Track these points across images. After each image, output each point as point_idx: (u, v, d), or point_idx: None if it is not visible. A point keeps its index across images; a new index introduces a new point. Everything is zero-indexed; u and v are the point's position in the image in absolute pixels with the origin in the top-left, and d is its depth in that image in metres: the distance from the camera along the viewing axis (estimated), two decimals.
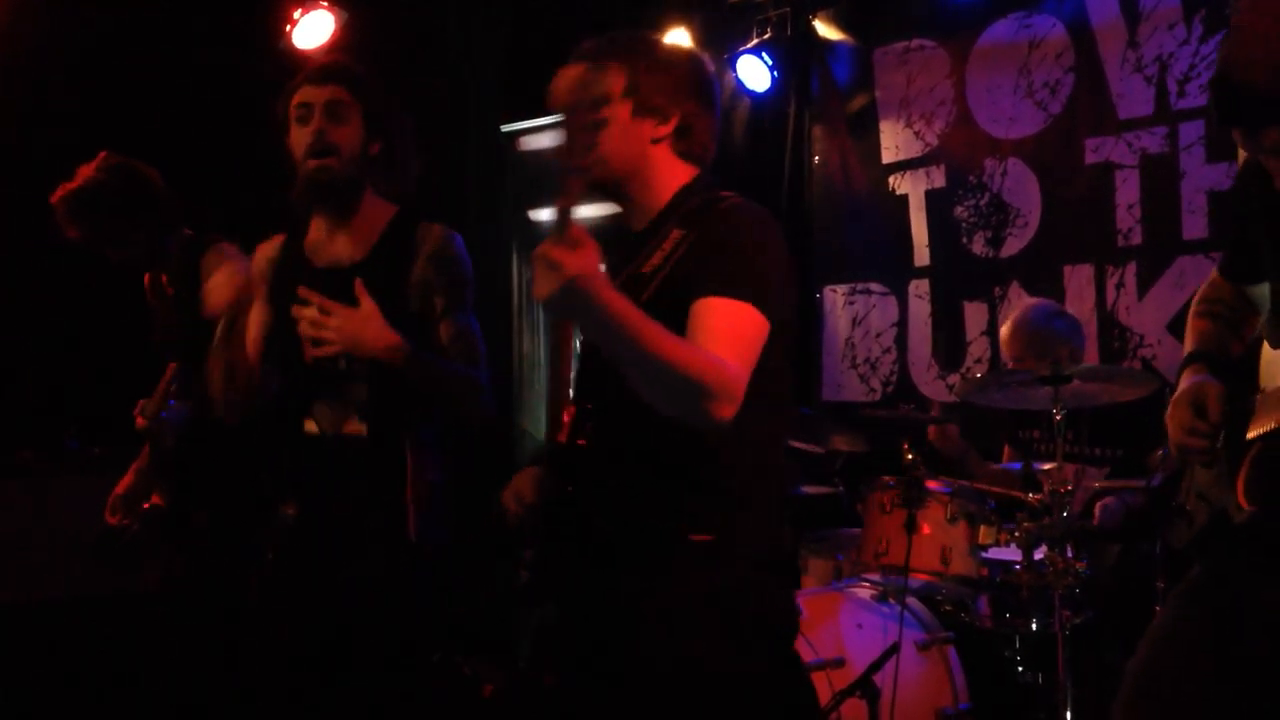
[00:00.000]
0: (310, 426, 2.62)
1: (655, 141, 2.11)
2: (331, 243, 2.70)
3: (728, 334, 1.90)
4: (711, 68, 2.21)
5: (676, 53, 2.22)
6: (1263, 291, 2.11)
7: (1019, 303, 4.39)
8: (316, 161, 2.58)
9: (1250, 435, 1.90)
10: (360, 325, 2.44)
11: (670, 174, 2.13)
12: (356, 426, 2.60)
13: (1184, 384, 2.07)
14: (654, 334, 1.77)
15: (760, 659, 2.03)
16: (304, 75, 2.67)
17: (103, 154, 3.17)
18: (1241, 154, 2.15)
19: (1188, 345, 2.18)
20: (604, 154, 2.06)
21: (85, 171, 3.15)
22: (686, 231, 2.03)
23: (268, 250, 2.79)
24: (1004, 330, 4.10)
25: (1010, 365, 4.06)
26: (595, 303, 1.71)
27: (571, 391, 2.16)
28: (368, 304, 2.45)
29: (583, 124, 1.73)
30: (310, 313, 2.43)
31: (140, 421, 3.07)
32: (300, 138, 2.61)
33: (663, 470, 2.02)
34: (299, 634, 2.58)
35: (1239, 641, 1.92)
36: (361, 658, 2.54)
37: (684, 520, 2.01)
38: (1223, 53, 1.83)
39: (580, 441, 2.05)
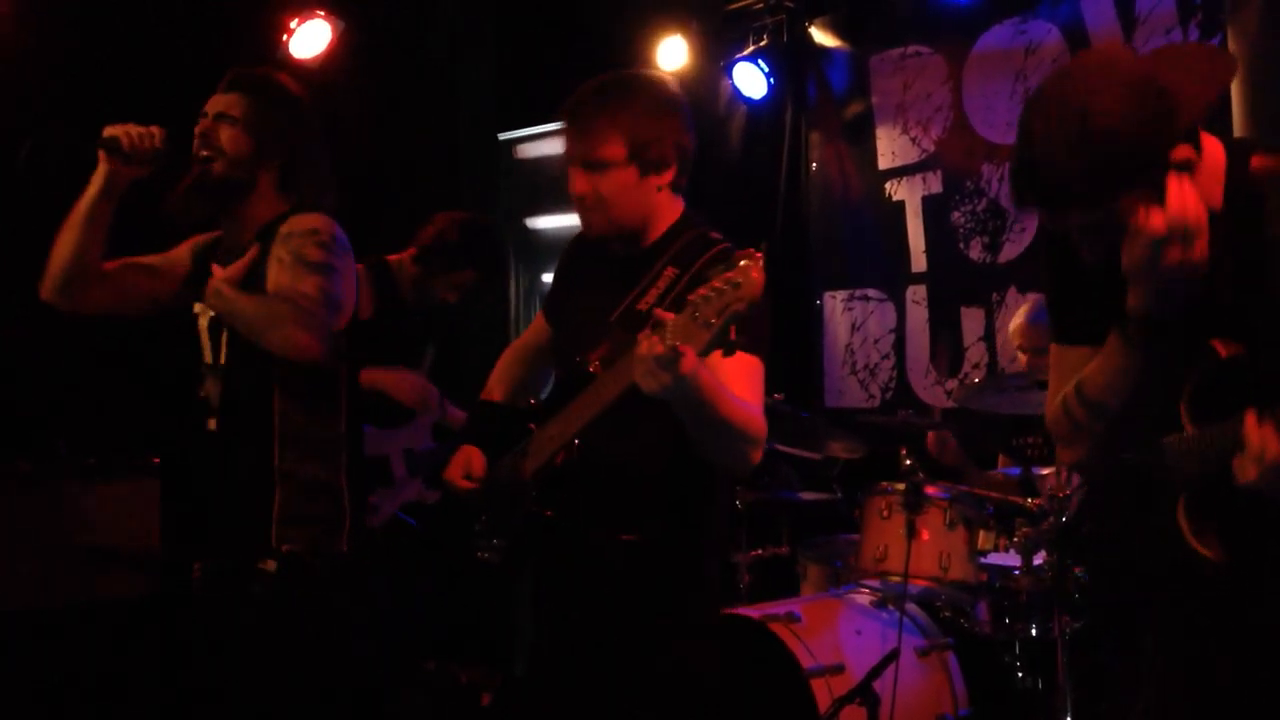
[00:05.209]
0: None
1: (659, 189, 2.26)
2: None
3: (750, 386, 2.12)
4: (678, 88, 2.32)
5: (664, 93, 2.28)
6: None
7: (1030, 297, 4.39)
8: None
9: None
10: None
11: (666, 212, 2.31)
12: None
13: None
14: (727, 402, 2.00)
15: (673, 652, 2.22)
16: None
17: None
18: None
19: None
20: (616, 216, 2.24)
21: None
22: (680, 272, 2.19)
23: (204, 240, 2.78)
24: (1016, 321, 4.16)
25: (1022, 357, 4.11)
26: (696, 393, 1.91)
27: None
28: None
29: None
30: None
31: None
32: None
33: (619, 480, 2.22)
34: None
35: (1231, 674, 1.88)
36: None
37: (617, 520, 2.22)
38: (1021, 149, 1.72)
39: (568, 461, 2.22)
